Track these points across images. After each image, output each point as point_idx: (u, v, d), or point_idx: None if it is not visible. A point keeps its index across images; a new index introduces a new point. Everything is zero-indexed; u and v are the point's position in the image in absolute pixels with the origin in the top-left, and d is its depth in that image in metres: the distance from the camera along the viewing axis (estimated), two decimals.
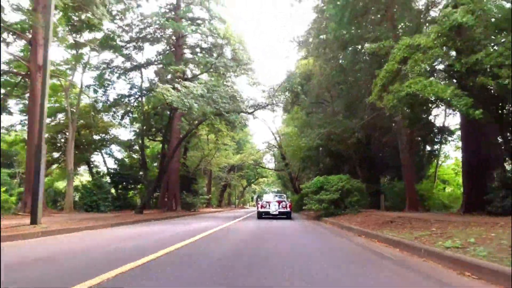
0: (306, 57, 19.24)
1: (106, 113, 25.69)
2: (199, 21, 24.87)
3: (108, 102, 24.47)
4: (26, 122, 23.40)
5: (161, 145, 31.25)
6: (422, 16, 9.36)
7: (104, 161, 27.90)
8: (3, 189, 23.42)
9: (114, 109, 26.05)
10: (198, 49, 25.15)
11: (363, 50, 10.78)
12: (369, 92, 9.39)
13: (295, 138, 27.08)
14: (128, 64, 25.68)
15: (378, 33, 8.98)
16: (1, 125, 21.14)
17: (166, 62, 24.25)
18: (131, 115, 26.96)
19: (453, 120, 31.38)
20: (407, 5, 9.31)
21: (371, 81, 9.83)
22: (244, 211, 35.99)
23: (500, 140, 9.67)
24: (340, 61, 13.47)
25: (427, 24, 8.57)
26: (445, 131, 20.12)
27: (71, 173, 19.98)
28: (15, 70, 17.88)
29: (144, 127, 27.07)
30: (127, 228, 10.09)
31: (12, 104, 21.32)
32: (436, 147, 24.82)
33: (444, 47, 6.69)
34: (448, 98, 6.20)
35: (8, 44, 18.25)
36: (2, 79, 18.76)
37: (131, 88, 25.51)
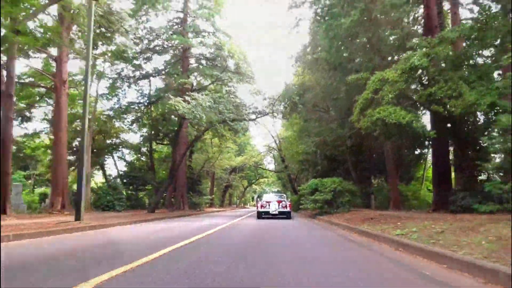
0: (303, 72, 21.12)
1: (117, 120, 27.57)
2: (204, 34, 26.78)
3: (122, 109, 26.34)
4: (46, 129, 25.48)
5: (166, 148, 33.29)
6: (396, 49, 11.21)
7: (115, 164, 29.84)
8: (26, 190, 25.38)
9: (124, 116, 27.94)
10: (203, 61, 27.03)
11: (350, 67, 12.70)
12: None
13: (293, 142, 29.01)
14: (137, 73, 27.60)
15: (361, 59, 10.81)
16: (26, 132, 23.13)
17: (173, 72, 26.17)
18: (140, 120, 28.83)
19: None
20: (384, 39, 11.19)
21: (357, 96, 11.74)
22: (245, 210, 37.93)
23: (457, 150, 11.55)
24: (331, 79, 15.36)
25: (400, 55, 10.42)
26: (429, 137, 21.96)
27: (89, 175, 21.87)
28: (41, 84, 19.78)
29: (152, 132, 28.99)
30: (150, 224, 11.99)
31: (37, 113, 23.22)
32: (425, 150, 26.71)
33: (406, 82, 8.53)
34: (408, 122, 8.08)
35: (28, 56, 20.10)
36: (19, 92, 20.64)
37: (141, 96, 27.37)
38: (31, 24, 17.28)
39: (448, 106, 8.30)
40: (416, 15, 12.66)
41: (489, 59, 10.17)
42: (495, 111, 8.71)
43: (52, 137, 25.01)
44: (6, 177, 12.65)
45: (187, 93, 18.36)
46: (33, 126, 27.53)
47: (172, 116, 27.38)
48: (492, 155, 10.04)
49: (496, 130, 6.63)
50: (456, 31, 8.23)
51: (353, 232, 8.85)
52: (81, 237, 7.53)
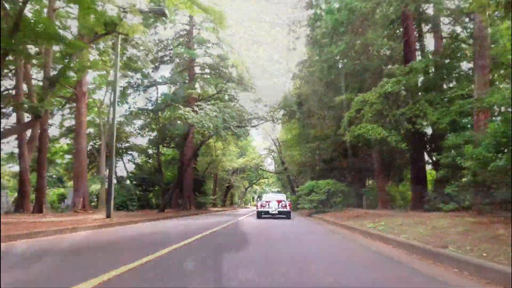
0: (301, 83, 23.05)
1: (128, 125, 29.50)
2: (208, 44, 28.67)
3: (131, 116, 28.26)
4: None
5: (171, 151, 35.19)
6: (377, 75, 13.05)
7: (125, 166, 31.77)
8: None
9: (134, 121, 29.88)
10: (207, 69, 28.94)
11: (340, 86, 14.60)
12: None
13: (292, 145, 30.93)
14: (146, 81, 29.51)
15: (347, 83, 12.73)
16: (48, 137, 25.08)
17: (180, 81, 28.10)
18: (148, 126, 30.76)
19: None
20: (366, 66, 13.11)
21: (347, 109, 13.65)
22: (247, 210, 39.90)
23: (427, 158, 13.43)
24: (325, 91, 17.29)
25: (379, 80, 12.30)
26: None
27: (104, 178, 23.80)
28: (63, 95, 21.71)
29: (158, 136, 30.90)
30: (167, 221, 13.89)
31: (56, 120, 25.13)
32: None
33: (382, 104, 10.39)
34: (383, 137, 9.96)
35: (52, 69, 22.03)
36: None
37: (149, 103, 29.29)
38: None
39: (416, 124, 10.19)
40: (398, 35, 14.43)
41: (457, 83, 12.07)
42: (457, 127, 10.61)
43: (68, 142, 27.02)
44: (42, 180, 14.54)
45: (195, 103, 20.25)
46: (52, 132, 29.35)
47: (178, 122, 29.32)
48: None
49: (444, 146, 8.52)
50: (422, 62, 10.10)
51: (339, 226, 10.76)
52: (123, 230, 9.44)
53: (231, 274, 3.48)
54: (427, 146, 12.39)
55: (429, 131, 11.94)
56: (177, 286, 3.01)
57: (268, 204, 16.59)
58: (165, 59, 28.84)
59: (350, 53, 11.86)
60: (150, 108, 29.75)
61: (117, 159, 31.48)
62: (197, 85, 27.94)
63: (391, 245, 6.04)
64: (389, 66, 10.86)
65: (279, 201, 16.75)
